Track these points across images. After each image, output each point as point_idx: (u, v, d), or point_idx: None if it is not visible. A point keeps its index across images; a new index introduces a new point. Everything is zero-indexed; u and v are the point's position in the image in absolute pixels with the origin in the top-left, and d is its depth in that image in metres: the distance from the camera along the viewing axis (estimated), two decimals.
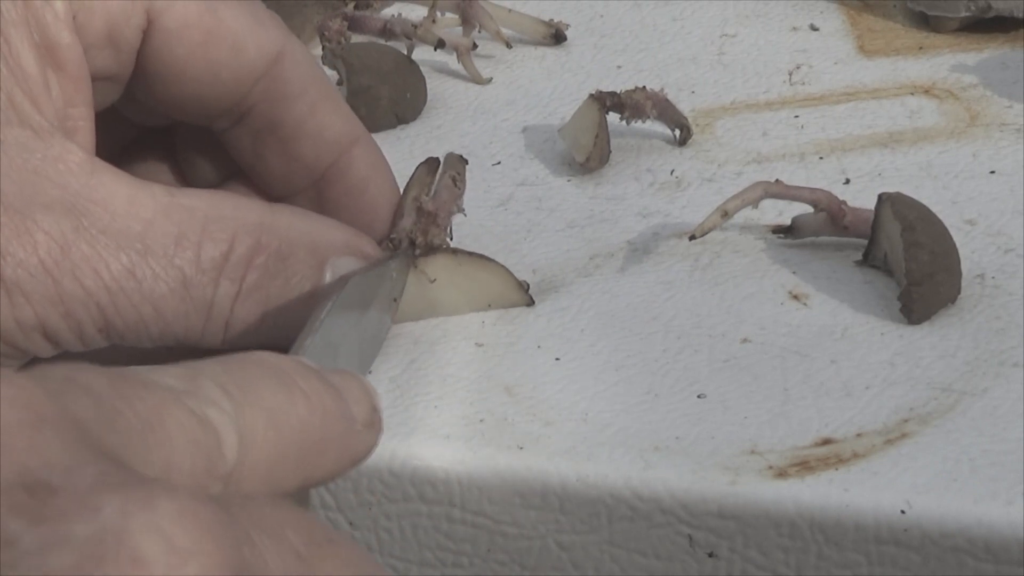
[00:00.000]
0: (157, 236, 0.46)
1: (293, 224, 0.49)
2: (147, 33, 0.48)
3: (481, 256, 0.52)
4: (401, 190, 0.53)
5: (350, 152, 0.52)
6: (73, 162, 0.46)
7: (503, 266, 0.52)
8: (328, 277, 0.49)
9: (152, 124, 0.52)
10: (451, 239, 0.52)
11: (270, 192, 0.52)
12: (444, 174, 0.53)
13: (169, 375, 0.36)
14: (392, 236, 0.51)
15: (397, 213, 0.52)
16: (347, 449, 0.39)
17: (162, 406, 0.34)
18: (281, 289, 0.48)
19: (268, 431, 0.36)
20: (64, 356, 0.47)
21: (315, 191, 0.52)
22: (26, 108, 0.46)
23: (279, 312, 0.49)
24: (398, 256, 0.51)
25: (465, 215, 0.53)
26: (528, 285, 0.52)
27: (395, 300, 0.51)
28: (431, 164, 0.54)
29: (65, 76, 0.47)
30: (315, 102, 0.51)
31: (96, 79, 0.48)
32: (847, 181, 0.58)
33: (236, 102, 0.50)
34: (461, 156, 0.54)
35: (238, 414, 0.36)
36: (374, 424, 0.40)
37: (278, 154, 0.51)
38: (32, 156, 0.45)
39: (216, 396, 0.36)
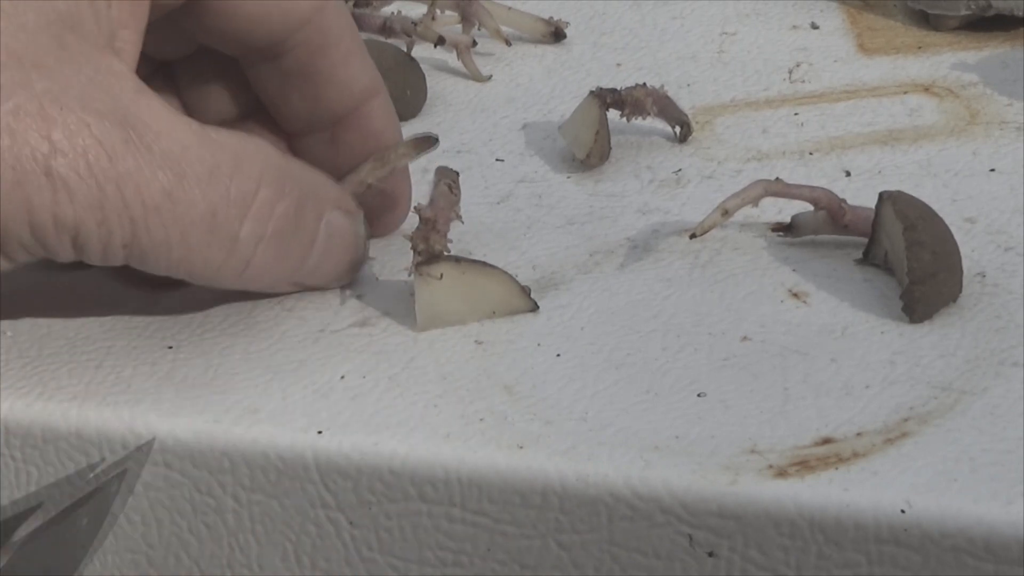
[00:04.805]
0: (193, 162, 0.47)
1: (303, 176, 0.51)
2: None
3: (484, 263, 0.52)
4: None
5: (370, 103, 0.53)
6: (124, 78, 0.47)
7: (506, 272, 0.52)
8: (322, 232, 0.51)
9: (166, 58, 0.53)
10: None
11: (287, 128, 0.54)
12: (440, 182, 0.54)
13: None
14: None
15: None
16: None
17: None
18: (292, 237, 0.50)
19: None
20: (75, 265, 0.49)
21: (330, 134, 0.53)
22: (88, 21, 0.47)
23: (285, 259, 0.50)
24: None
25: (463, 222, 0.53)
26: (531, 290, 0.52)
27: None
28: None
29: None
30: (348, 52, 0.52)
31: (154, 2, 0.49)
32: (848, 174, 0.58)
33: (278, 43, 0.51)
34: (451, 168, 0.56)
35: None
36: None
37: (304, 97, 0.53)
38: (87, 66, 0.46)
39: None
